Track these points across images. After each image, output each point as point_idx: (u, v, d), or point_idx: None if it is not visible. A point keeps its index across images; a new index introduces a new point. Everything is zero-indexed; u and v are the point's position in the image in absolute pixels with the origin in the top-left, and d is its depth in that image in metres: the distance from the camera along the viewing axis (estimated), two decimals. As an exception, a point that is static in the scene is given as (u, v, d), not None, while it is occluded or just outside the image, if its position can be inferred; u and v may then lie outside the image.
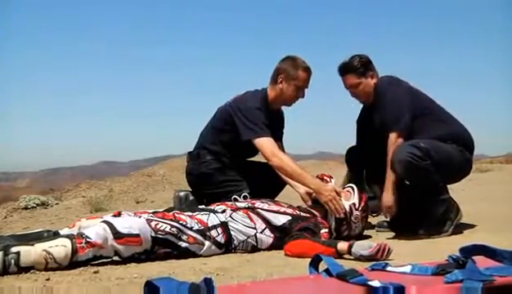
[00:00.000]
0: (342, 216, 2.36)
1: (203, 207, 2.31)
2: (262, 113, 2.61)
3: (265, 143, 2.54)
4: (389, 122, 2.53)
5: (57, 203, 5.72)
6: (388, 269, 1.43)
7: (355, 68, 2.66)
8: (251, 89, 2.83)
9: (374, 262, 1.67)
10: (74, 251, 1.74)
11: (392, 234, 2.55)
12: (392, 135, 2.49)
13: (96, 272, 1.70)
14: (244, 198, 2.41)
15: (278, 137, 2.83)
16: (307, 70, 2.72)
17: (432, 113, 2.59)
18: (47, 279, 1.60)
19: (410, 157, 2.35)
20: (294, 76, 2.69)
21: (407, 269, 1.41)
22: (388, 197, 2.50)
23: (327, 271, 1.38)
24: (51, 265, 1.71)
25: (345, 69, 2.71)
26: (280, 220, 2.19)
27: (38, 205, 5.54)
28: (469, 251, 1.37)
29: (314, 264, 1.47)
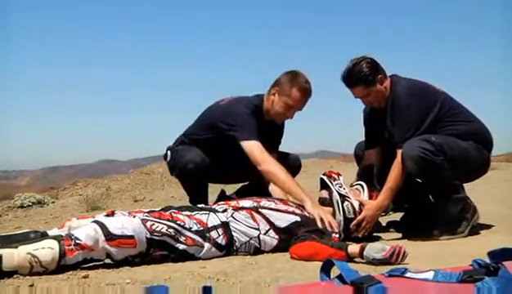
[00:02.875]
0: (351, 215, 2.24)
1: (202, 206, 2.17)
2: (251, 118, 2.47)
3: (254, 147, 2.36)
4: (397, 138, 2.36)
5: (53, 202, 5.60)
6: (408, 275, 1.29)
7: (363, 78, 2.41)
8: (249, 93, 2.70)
9: (390, 267, 1.54)
10: (62, 253, 1.61)
11: (403, 235, 2.42)
12: (400, 154, 2.30)
13: (85, 277, 1.57)
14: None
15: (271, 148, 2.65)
16: (303, 91, 2.50)
17: (451, 114, 2.41)
18: (31, 285, 1.48)
19: (421, 152, 2.21)
20: (287, 92, 2.49)
21: (429, 275, 1.26)
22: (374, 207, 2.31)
23: (340, 278, 1.25)
24: (36, 269, 1.58)
25: (352, 81, 2.45)
26: (286, 220, 2.05)
27: (33, 204, 5.43)
28: (499, 256, 1.22)
29: (325, 269, 1.33)
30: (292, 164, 2.81)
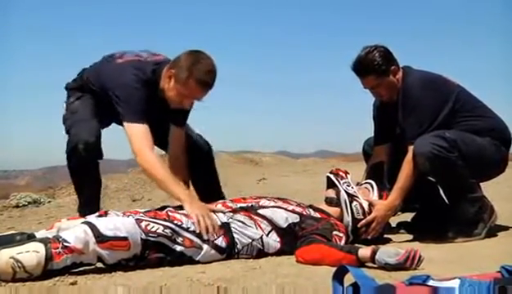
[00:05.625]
0: (360, 216, 2.11)
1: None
2: (139, 92, 2.13)
3: (134, 133, 2.07)
4: (408, 133, 2.24)
5: (50, 201, 5.47)
6: (431, 283, 1.16)
7: (375, 68, 2.27)
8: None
9: (407, 273, 1.42)
10: (49, 257, 1.48)
11: (415, 237, 2.29)
12: (411, 151, 2.18)
13: (73, 283, 1.44)
14: None
15: (176, 121, 2.35)
16: (202, 85, 2.10)
17: (467, 109, 2.29)
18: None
19: (434, 149, 2.08)
20: (182, 81, 2.09)
21: (455, 283, 1.13)
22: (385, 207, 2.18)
23: (355, 286, 1.12)
24: (20, 275, 1.45)
25: (363, 70, 2.31)
26: (286, 218, 1.92)
27: (29, 203, 5.29)
28: (535, 263, 1.10)
29: (338, 276, 1.20)
30: (202, 150, 2.57)
